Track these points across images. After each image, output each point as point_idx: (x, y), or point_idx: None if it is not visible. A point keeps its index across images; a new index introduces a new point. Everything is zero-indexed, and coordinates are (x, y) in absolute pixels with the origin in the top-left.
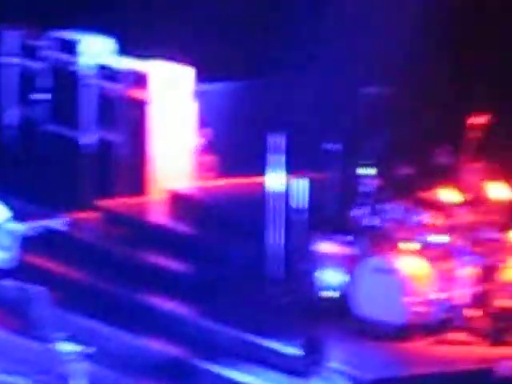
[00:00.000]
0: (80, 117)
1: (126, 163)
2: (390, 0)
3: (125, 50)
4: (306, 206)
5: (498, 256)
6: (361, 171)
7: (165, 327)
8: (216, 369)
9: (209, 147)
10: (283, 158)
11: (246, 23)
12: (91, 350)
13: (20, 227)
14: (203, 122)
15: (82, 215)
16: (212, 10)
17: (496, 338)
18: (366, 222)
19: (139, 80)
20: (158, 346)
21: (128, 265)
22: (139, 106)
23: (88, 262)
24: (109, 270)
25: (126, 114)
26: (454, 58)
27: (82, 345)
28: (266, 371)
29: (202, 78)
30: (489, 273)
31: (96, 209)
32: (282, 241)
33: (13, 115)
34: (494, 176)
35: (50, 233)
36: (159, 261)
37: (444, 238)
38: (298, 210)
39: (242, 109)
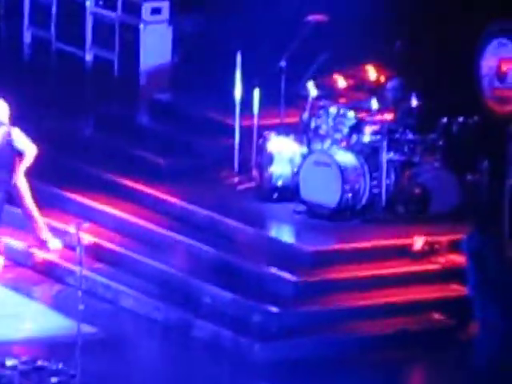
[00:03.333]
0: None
1: (120, 76)
2: None
3: None
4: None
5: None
6: (309, 84)
7: (151, 206)
8: None
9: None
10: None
11: None
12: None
13: None
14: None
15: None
16: None
17: (409, 219)
18: (310, 123)
19: (132, 8)
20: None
21: (118, 155)
22: (132, 30)
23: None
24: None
25: (121, 37)
26: None
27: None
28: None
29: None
30: (404, 167)
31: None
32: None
33: (28, 35)
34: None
35: None
36: (144, 154)
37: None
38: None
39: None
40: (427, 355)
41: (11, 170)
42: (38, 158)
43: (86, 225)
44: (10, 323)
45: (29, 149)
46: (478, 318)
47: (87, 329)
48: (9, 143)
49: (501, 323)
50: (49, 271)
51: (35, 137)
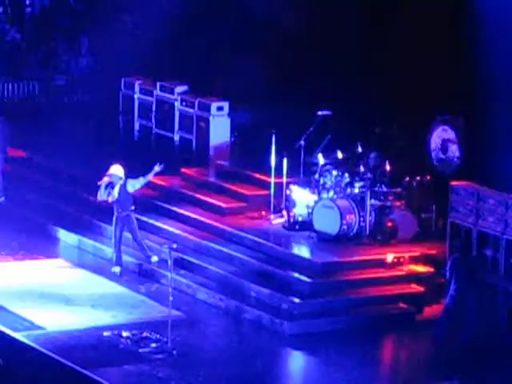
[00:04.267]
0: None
1: (196, 150)
2: None
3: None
4: None
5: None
6: (318, 156)
7: (218, 234)
8: None
9: None
10: None
11: None
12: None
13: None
14: None
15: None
16: None
17: (384, 242)
18: (319, 180)
19: (203, 107)
20: None
21: (195, 200)
22: (205, 120)
23: None
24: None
25: (197, 125)
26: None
27: None
28: None
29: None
30: (380, 209)
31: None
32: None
33: (137, 125)
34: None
35: None
36: (211, 199)
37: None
38: None
39: None
40: (397, 330)
41: (128, 209)
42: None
43: (175, 245)
44: (123, 310)
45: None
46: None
47: (175, 313)
48: (125, 191)
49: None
50: (150, 275)
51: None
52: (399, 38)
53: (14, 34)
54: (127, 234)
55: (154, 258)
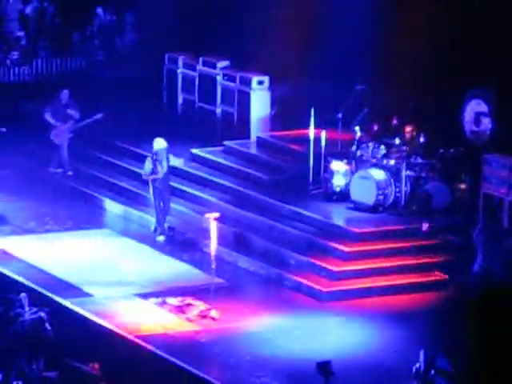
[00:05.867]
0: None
1: (237, 123)
2: None
3: (235, 66)
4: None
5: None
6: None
7: (259, 206)
8: None
9: None
10: None
11: None
12: None
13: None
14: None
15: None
16: None
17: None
18: (356, 152)
19: (245, 81)
20: None
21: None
22: (246, 94)
23: None
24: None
25: (239, 98)
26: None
27: None
28: None
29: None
30: (416, 180)
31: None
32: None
33: (180, 98)
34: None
35: None
36: (252, 171)
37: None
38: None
39: None
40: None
41: (168, 180)
42: None
43: (217, 214)
44: (167, 278)
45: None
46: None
47: (217, 280)
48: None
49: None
50: (193, 244)
51: None
52: (429, 13)
53: (55, 11)
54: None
55: (160, 238)
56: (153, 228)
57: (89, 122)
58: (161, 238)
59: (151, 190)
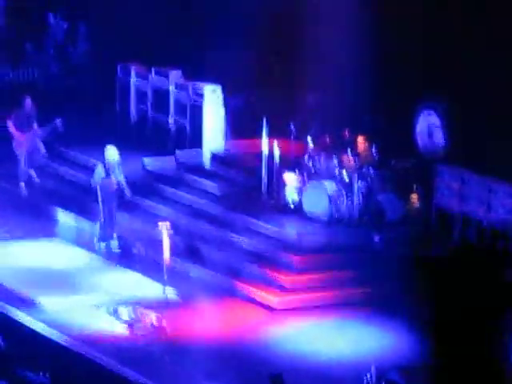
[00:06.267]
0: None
1: (190, 134)
2: None
3: (187, 76)
4: None
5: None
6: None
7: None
8: None
9: None
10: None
11: None
12: None
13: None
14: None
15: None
16: None
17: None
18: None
19: (197, 93)
20: None
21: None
22: (198, 106)
23: None
24: None
25: (191, 111)
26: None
27: None
28: None
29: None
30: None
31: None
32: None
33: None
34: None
35: None
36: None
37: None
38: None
39: None
40: None
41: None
42: None
43: (168, 225)
44: (120, 287)
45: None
46: None
47: (170, 291)
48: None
49: None
50: (145, 254)
51: None
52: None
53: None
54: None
55: (102, 245)
56: (96, 237)
57: (48, 129)
58: (103, 245)
59: (99, 198)
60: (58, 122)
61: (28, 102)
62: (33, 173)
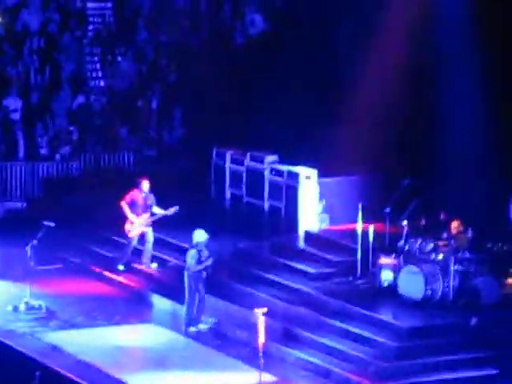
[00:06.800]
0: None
1: (285, 218)
2: None
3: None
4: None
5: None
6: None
7: None
8: None
9: None
10: None
11: None
12: None
13: None
14: None
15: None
16: None
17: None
18: (404, 246)
19: (292, 176)
20: None
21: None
22: (293, 189)
23: None
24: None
25: (286, 193)
26: None
27: None
28: None
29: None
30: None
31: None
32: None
33: (228, 193)
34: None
35: None
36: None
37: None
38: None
39: None
40: None
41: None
42: None
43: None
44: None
45: None
46: None
47: (266, 376)
48: None
49: None
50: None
51: None
52: None
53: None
54: None
55: (192, 329)
56: (185, 321)
57: (160, 216)
58: (193, 330)
59: (186, 281)
60: (176, 209)
61: (145, 183)
62: (154, 265)
